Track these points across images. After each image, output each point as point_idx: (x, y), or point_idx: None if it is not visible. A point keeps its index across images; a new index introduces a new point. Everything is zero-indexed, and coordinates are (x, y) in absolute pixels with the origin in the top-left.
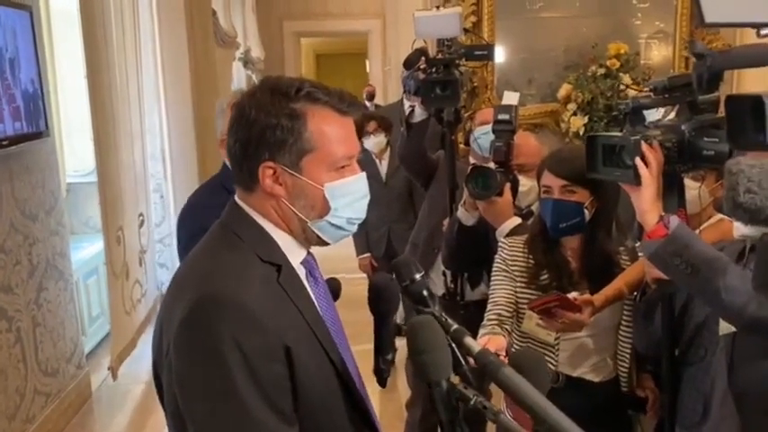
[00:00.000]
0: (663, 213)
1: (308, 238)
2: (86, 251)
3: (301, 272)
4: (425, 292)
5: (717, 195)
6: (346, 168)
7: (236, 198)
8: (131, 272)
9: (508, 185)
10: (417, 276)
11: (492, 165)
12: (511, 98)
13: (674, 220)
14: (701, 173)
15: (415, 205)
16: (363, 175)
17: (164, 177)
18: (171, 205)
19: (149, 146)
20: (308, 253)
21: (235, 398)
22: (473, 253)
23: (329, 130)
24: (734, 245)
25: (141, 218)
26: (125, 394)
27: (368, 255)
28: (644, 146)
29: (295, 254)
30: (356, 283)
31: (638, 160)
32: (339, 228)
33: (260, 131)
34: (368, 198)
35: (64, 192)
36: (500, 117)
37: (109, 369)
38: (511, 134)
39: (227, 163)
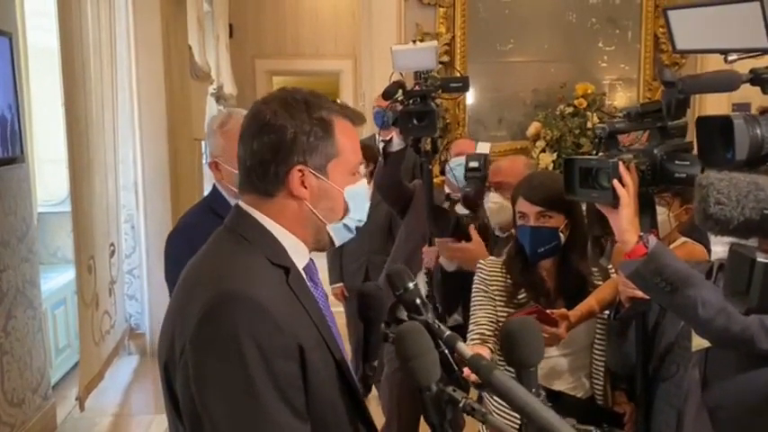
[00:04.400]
0: (641, 233)
1: (319, 241)
2: (55, 281)
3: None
4: (418, 301)
5: (681, 220)
6: (356, 174)
7: (242, 204)
8: (101, 302)
9: (474, 229)
10: (410, 285)
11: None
12: (484, 148)
13: (653, 240)
14: (667, 199)
15: (395, 238)
16: (365, 180)
17: (135, 208)
18: (142, 237)
19: (122, 177)
20: (310, 259)
21: (252, 395)
22: (460, 295)
23: (348, 139)
24: (701, 265)
25: (112, 248)
26: (91, 427)
27: (340, 284)
28: (621, 167)
29: (300, 259)
30: None
31: (615, 182)
32: (349, 229)
33: (293, 136)
34: (369, 202)
35: (35, 219)
36: (471, 165)
37: (77, 399)
38: (481, 180)
39: (218, 185)
